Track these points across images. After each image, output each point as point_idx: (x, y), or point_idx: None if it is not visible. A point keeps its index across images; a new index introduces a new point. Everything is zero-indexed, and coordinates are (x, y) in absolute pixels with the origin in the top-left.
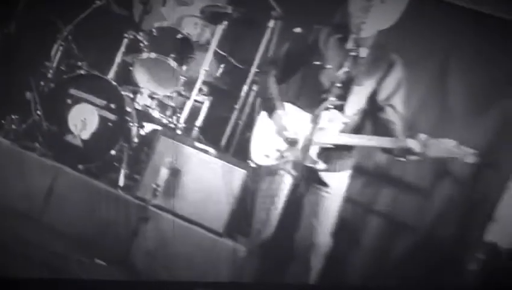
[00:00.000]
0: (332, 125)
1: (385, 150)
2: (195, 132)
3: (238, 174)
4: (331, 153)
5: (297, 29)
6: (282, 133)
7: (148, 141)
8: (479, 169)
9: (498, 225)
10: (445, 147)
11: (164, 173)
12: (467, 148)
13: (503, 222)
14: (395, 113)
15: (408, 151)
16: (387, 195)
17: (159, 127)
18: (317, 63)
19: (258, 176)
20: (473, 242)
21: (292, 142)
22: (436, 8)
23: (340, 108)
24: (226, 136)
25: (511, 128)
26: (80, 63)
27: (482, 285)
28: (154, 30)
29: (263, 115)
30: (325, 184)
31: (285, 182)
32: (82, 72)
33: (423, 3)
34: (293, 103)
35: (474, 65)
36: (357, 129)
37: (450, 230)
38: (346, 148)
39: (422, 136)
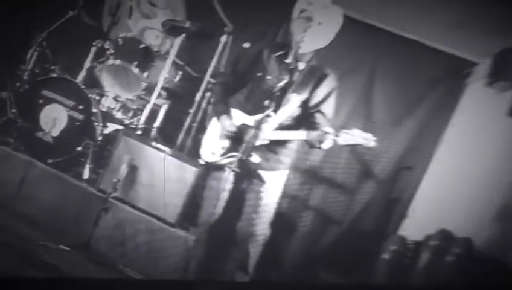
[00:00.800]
0: (268, 126)
1: (308, 144)
2: (153, 132)
3: (190, 172)
4: (270, 153)
5: (246, 44)
6: (228, 134)
7: (111, 139)
8: (396, 172)
9: (409, 221)
10: (352, 134)
11: (124, 168)
12: (368, 134)
13: (413, 218)
14: (324, 118)
15: (320, 140)
16: (318, 192)
17: (121, 127)
18: (261, 74)
19: (207, 172)
20: (388, 235)
21: (236, 143)
22: (363, 30)
23: (277, 113)
24: (181, 137)
25: (422, 137)
26: (52, 67)
27: (390, 272)
28: (120, 40)
29: (214, 120)
30: (264, 181)
31: (230, 179)
32: (54, 75)
33: (353, 24)
34: (240, 109)
35: (394, 81)
36: (290, 128)
37: (370, 224)
38: (283, 149)
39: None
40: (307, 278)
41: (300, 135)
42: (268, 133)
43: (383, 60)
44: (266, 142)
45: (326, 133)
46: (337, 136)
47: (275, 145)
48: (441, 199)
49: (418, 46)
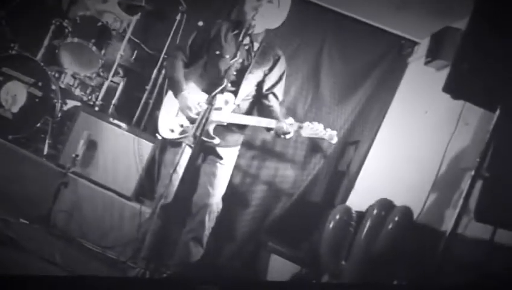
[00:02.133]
0: (227, 107)
1: (268, 129)
2: (111, 108)
3: (146, 147)
4: (225, 130)
5: (200, 23)
6: (185, 111)
7: (70, 115)
8: (343, 147)
9: (356, 193)
10: (315, 129)
11: (83, 144)
12: (331, 130)
13: (360, 190)
14: (276, 99)
15: (285, 130)
16: (270, 166)
17: (79, 104)
18: (218, 52)
19: (163, 147)
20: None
21: (193, 120)
22: (310, 10)
23: (234, 92)
24: (138, 113)
25: (367, 114)
26: (12, 45)
27: (333, 239)
28: (78, 18)
29: (170, 94)
30: (219, 156)
31: (186, 153)
32: (13, 52)
33: (301, 4)
34: (196, 85)
35: (340, 60)
36: (247, 111)
37: (319, 196)
38: (238, 127)
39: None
40: (255, 248)
41: (269, 123)
42: (228, 115)
43: (329, 40)
44: (225, 124)
45: (292, 124)
46: (301, 128)
47: (232, 125)
48: (384, 172)
49: (363, 25)
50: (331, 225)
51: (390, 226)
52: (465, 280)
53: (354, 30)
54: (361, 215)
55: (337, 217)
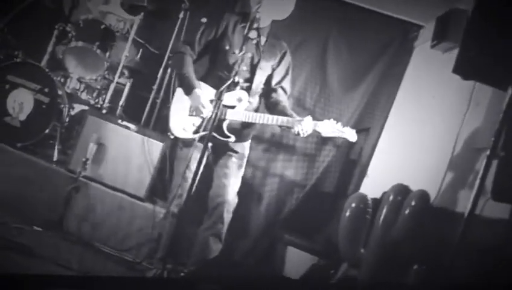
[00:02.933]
0: (241, 104)
1: (287, 128)
2: (118, 110)
3: (157, 146)
4: (238, 126)
5: (204, 19)
6: (199, 110)
7: (78, 120)
8: None
9: (369, 180)
10: (335, 129)
11: (92, 147)
12: (350, 129)
13: (373, 177)
14: (284, 93)
15: (304, 130)
16: (281, 159)
17: (86, 107)
18: (227, 47)
19: (175, 146)
20: (350, 194)
21: (206, 118)
22: (318, 1)
23: (247, 89)
24: (146, 113)
25: (376, 100)
26: (16, 52)
27: (351, 228)
28: (81, 22)
29: (179, 92)
30: (232, 150)
31: (198, 151)
32: (18, 60)
33: None
34: (204, 81)
35: (346, 49)
36: (257, 106)
37: (331, 186)
38: (251, 123)
39: (310, 118)
40: (271, 242)
41: (288, 122)
42: (242, 114)
43: (335, 30)
44: (239, 121)
45: (312, 124)
46: (319, 127)
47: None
48: (396, 157)
49: (367, 13)
50: (347, 214)
51: (407, 211)
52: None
53: (358, 19)
54: (377, 202)
55: (353, 205)
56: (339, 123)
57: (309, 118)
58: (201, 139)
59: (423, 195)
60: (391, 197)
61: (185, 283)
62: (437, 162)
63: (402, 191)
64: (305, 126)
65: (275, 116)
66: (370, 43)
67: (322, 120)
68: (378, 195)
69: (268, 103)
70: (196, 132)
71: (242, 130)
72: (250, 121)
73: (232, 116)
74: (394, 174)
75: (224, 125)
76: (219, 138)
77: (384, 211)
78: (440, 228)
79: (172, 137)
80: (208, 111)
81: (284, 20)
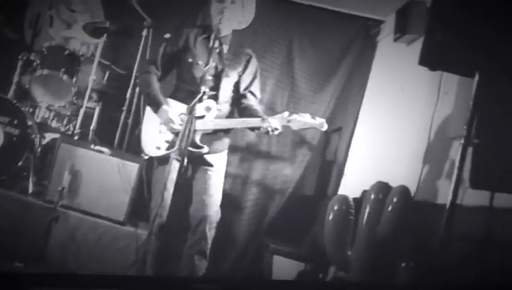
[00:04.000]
0: (210, 113)
1: (254, 129)
2: (90, 135)
3: (132, 168)
4: (211, 137)
5: (167, 35)
6: (168, 125)
7: (51, 149)
8: (327, 136)
9: (347, 180)
10: (304, 120)
11: (67, 175)
12: (319, 118)
13: (351, 176)
14: (254, 97)
15: (275, 127)
16: (259, 167)
17: (58, 135)
18: (190, 60)
19: (150, 166)
20: (330, 196)
21: (177, 133)
22: (273, 4)
23: (214, 97)
24: (118, 135)
25: (346, 99)
26: None
27: (335, 231)
28: (44, 49)
29: (148, 111)
30: (209, 164)
31: (175, 168)
32: None
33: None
34: (172, 97)
35: (311, 50)
36: (228, 114)
37: (311, 188)
38: (224, 131)
39: (284, 114)
40: (257, 252)
41: (257, 121)
42: (212, 122)
43: (298, 32)
44: (210, 131)
45: (281, 118)
46: (289, 121)
47: (218, 130)
48: (372, 154)
49: (328, 13)
50: (330, 217)
51: (390, 209)
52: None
53: (319, 19)
54: (358, 202)
55: (335, 207)
56: (307, 114)
57: (277, 115)
58: (176, 155)
59: (404, 191)
60: (372, 196)
61: (183, 283)
62: (413, 155)
63: (383, 188)
64: (272, 122)
65: (241, 119)
66: (333, 43)
67: None
68: (358, 194)
69: (239, 109)
70: (169, 148)
71: (216, 140)
72: (220, 128)
73: (203, 126)
74: (372, 172)
75: (197, 137)
76: (193, 151)
77: (367, 210)
78: (424, 221)
79: (146, 157)
80: (177, 125)
81: (246, 27)
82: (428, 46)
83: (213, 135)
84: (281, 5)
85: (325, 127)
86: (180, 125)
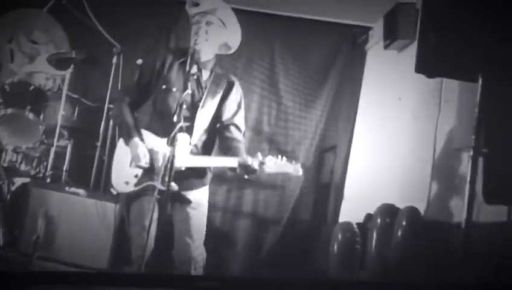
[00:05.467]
0: (183, 148)
1: (231, 169)
2: (63, 176)
3: (111, 209)
4: (187, 173)
5: (139, 61)
6: (136, 159)
7: (21, 194)
8: (320, 156)
9: (348, 203)
10: (279, 164)
11: (41, 223)
12: (296, 163)
13: (352, 199)
14: (238, 131)
15: (248, 169)
16: (249, 196)
17: (28, 179)
18: (164, 87)
19: (128, 205)
20: (330, 222)
21: (149, 168)
22: (253, 20)
23: (188, 130)
24: (93, 174)
25: (335, 115)
26: None
27: (342, 262)
28: (6, 86)
29: (120, 143)
30: (187, 201)
31: (153, 207)
32: None
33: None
34: (147, 129)
35: (295, 65)
36: (206, 147)
37: (308, 214)
38: (203, 168)
39: (259, 155)
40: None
41: (231, 161)
42: (185, 159)
43: (278, 46)
44: (184, 168)
45: (253, 162)
46: (263, 163)
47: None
48: (373, 174)
49: (308, 23)
50: (335, 247)
51: (399, 233)
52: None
53: (301, 30)
54: (363, 227)
55: (339, 236)
56: (284, 158)
57: (258, 155)
58: (151, 191)
59: (412, 212)
60: (379, 220)
61: (184, 280)
62: (419, 170)
63: (389, 211)
64: (251, 162)
65: (216, 158)
66: (318, 54)
67: (285, 146)
68: (361, 218)
69: (221, 142)
70: (138, 184)
71: (192, 175)
72: (190, 166)
73: (175, 163)
74: (374, 193)
75: (169, 172)
76: (164, 189)
77: (375, 236)
78: (437, 241)
79: (115, 193)
80: (147, 160)
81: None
82: (423, 52)
83: (189, 172)
84: (259, 20)
85: (300, 173)
86: (146, 163)
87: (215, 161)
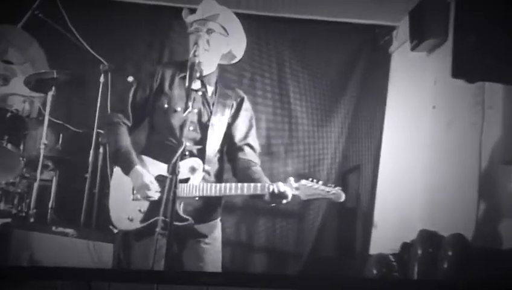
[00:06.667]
0: (196, 176)
1: (254, 196)
2: (49, 214)
3: (107, 249)
4: (200, 203)
5: (130, 78)
6: (142, 191)
7: (1, 238)
8: (343, 177)
9: (378, 231)
10: (316, 189)
11: None
12: (336, 187)
13: (382, 226)
14: (253, 151)
15: (280, 196)
16: (262, 229)
17: (9, 220)
18: (166, 106)
19: (127, 243)
20: (360, 253)
21: (155, 200)
22: (253, 26)
23: (199, 154)
24: (84, 210)
25: (357, 129)
26: None
27: None
28: None
29: (117, 173)
30: (201, 235)
31: (160, 244)
32: None
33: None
34: (144, 153)
35: (307, 73)
36: (218, 172)
37: (332, 247)
38: (214, 198)
39: (291, 179)
40: None
41: (256, 188)
42: (199, 187)
43: (288, 54)
44: (197, 197)
45: (285, 188)
46: (297, 189)
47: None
48: (406, 194)
49: (322, 26)
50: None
51: (445, 266)
52: None
53: (313, 34)
54: (400, 258)
55: (375, 271)
56: (320, 182)
57: (280, 184)
58: (155, 226)
59: (459, 240)
60: (419, 251)
61: (188, 276)
62: (461, 189)
63: (431, 240)
64: (281, 187)
65: (238, 184)
66: (334, 62)
67: (302, 168)
68: (396, 247)
69: (235, 166)
70: (145, 219)
71: (205, 207)
72: (209, 194)
73: (187, 193)
74: (410, 217)
75: (180, 205)
76: (176, 224)
77: (416, 269)
78: (489, 269)
79: (116, 231)
80: (154, 191)
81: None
82: (459, 53)
83: (202, 202)
84: (263, 25)
85: (342, 198)
86: (158, 190)
87: (240, 188)
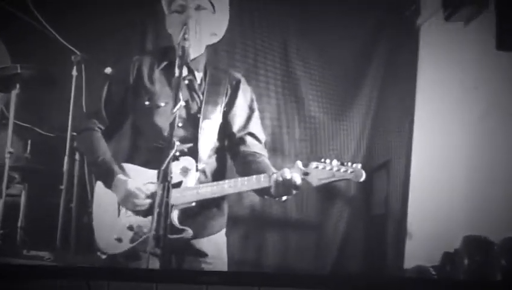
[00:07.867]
0: (189, 178)
1: (261, 192)
2: (19, 236)
3: None
4: (198, 213)
5: (108, 70)
6: (128, 202)
7: None
8: (368, 178)
9: (414, 240)
10: (331, 169)
11: None
12: (353, 164)
13: (418, 234)
14: (257, 141)
15: (288, 184)
16: (273, 241)
17: None
18: (147, 103)
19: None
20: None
21: (144, 212)
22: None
23: (192, 153)
24: (60, 229)
25: (383, 120)
26: None
27: None
28: None
29: (99, 187)
30: (201, 253)
31: (153, 264)
32: None
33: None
34: (128, 161)
35: (315, 59)
36: (217, 172)
37: (358, 264)
38: (214, 203)
39: (299, 163)
40: None
41: (262, 180)
42: (193, 190)
43: (294, 32)
44: (193, 205)
45: (293, 174)
46: (307, 174)
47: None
48: (445, 197)
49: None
50: None
51: (499, 278)
52: None
53: (324, 8)
54: (441, 270)
55: None
56: (334, 161)
57: (297, 163)
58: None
59: None
60: (466, 261)
61: (187, 274)
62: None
63: (479, 246)
64: (287, 174)
65: (238, 179)
66: (350, 40)
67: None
68: (437, 259)
69: (237, 161)
70: (135, 238)
71: (204, 216)
72: (206, 197)
73: (181, 199)
74: (449, 223)
75: (174, 215)
76: (171, 238)
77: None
78: None
79: (104, 257)
80: (143, 198)
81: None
82: (505, 21)
83: (199, 209)
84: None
85: (363, 177)
86: (147, 201)
87: (237, 185)
